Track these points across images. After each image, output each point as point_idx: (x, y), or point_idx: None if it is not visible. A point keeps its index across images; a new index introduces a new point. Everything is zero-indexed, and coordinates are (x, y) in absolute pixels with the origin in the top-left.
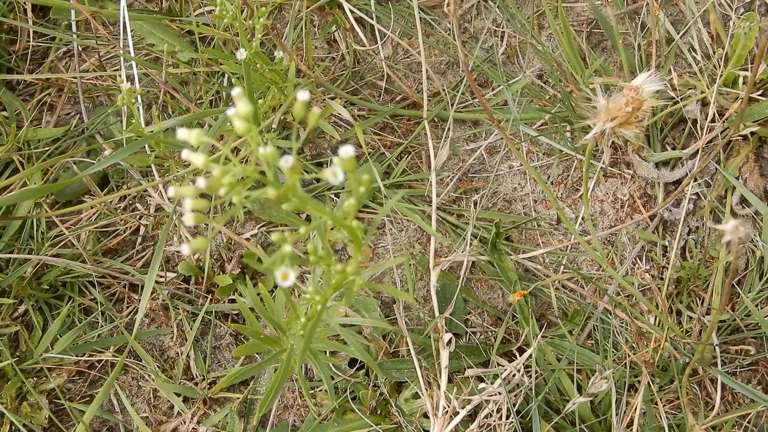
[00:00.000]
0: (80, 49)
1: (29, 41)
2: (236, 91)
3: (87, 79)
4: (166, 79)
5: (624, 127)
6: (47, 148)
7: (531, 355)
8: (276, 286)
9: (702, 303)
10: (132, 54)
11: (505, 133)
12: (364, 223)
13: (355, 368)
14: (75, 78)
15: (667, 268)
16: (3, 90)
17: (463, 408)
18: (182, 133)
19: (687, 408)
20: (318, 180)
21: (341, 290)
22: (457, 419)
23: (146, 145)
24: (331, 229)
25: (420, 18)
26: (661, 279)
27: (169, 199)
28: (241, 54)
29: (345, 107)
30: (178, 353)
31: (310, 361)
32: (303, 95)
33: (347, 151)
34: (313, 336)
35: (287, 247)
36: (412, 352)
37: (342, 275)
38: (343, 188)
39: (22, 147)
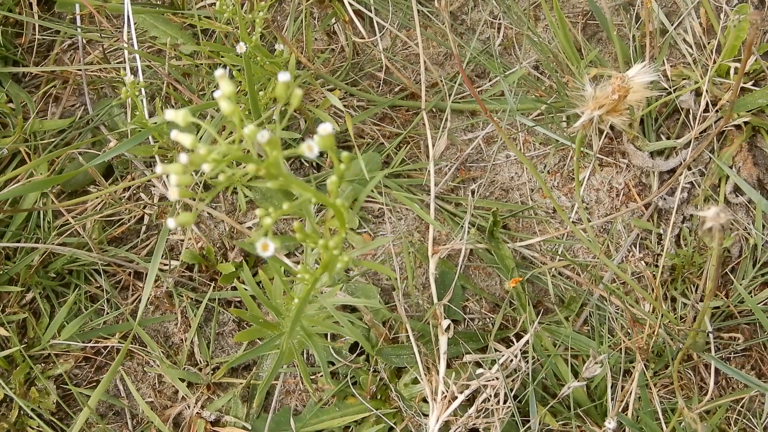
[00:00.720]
0: (84, 42)
1: (35, 34)
2: (219, 72)
3: (91, 71)
4: (168, 71)
5: (611, 115)
6: (53, 139)
7: (528, 340)
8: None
9: (696, 290)
10: (135, 47)
11: (498, 125)
12: (362, 213)
13: (355, 354)
14: (80, 70)
15: (662, 256)
16: (9, 82)
17: (461, 393)
18: (169, 114)
19: (679, 393)
20: (319, 167)
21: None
22: (455, 404)
23: (150, 136)
24: (332, 217)
25: (418, 10)
26: (656, 266)
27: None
28: (241, 48)
29: (344, 98)
30: (182, 339)
31: (307, 344)
32: (284, 76)
33: (326, 128)
34: (302, 314)
35: (268, 220)
36: (412, 338)
37: (329, 252)
38: (323, 157)
39: (29, 138)
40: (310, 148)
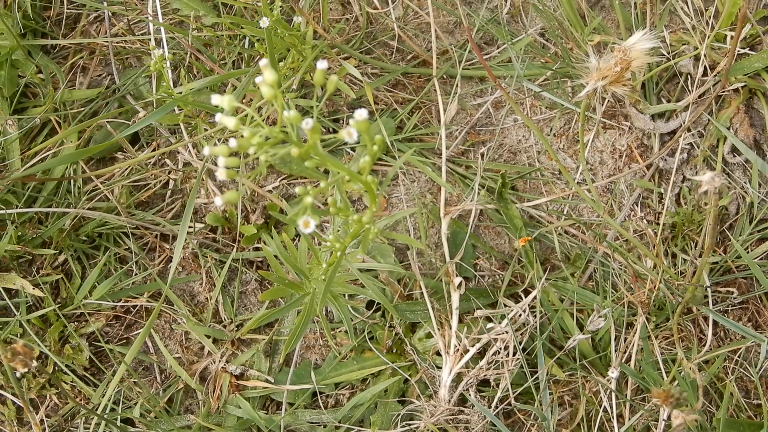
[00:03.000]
0: (110, 14)
1: (62, 7)
2: (263, 62)
3: (117, 43)
4: (191, 42)
5: (614, 86)
6: (82, 109)
7: (536, 296)
8: (298, 235)
9: (695, 246)
10: (159, 19)
11: (505, 91)
12: (378, 176)
13: (372, 310)
14: (106, 42)
15: (663, 214)
16: (40, 54)
17: (473, 346)
18: (215, 99)
19: (679, 344)
20: (334, 130)
21: (359, 238)
22: (467, 356)
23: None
24: (348, 180)
25: None
26: (657, 224)
27: (197, 155)
28: (264, 22)
29: (359, 67)
30: (207, 298)
31: (331, 304)
32: (322, 64)
33: (361, 113)
34: (334, 280)
35: (309, 199)
36: (425, 294)
37: (359, 225)
38: (357, 142)
39: (59, 107)
40: (349, 134)
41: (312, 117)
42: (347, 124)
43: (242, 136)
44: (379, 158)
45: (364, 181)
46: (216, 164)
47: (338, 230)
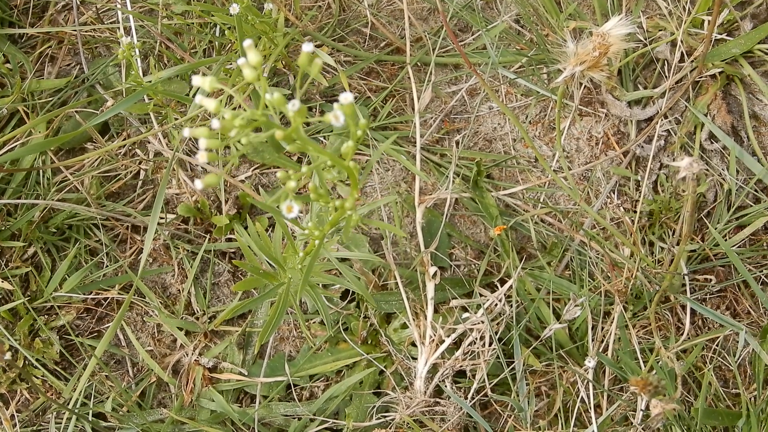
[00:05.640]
0: (78, 2)
1: None
2: (247, 43)
3: (85, 32)
4: (161, 30)
5: (592, 71)
6: (50, 98)
7: (512, 285)
8: (271, 226)
9: (673, 234)
10: (128, 7)
11: (482, 78)
12: (356, 164)
13: (346, 301)
14: (74, 31)
15: (640, 202)
16: (7, 44)
17: (448, 336)
18: (196, 80)
19: (657, 333)
20: (307, 123)
21: (336, 227)
22: (443, 347)
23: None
24: (330, 166)
25: None
26: (634, 212)
27: (167, 144)
28: (234, 9)
29: (331, 54)
30: (179, 290)
31: (306, 294)
32: (308, 47)
33: (347, 97)
34: (312, 269)
35: (292, 183)
36: (400, 284)
37: (341, 211)
38: (331, 131)
39: (27, 97)
40: (336, 118)
41: (296, 99)
42: (320, 112)
43: (223, 118)
44: None
45: (347, 166)
46: (188, 154)
47: (315, 219)
